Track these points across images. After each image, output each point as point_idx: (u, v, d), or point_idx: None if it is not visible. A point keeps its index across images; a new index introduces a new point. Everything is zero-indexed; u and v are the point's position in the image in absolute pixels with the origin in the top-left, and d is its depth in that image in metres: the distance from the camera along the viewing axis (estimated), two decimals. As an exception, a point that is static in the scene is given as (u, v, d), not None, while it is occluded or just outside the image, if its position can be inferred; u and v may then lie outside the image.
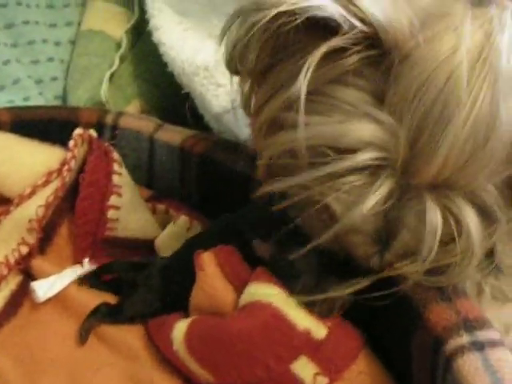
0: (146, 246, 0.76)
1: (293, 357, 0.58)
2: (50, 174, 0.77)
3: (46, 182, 0.76)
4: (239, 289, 0.63)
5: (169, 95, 0.94)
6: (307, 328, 0.58)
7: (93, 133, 0.79)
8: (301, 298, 0.59)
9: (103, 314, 0.68)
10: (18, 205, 0.75)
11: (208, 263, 0.64)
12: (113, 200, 0.74)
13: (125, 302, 0.69)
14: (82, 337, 0.67)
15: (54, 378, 0.65)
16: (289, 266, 0.60)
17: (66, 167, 0.76)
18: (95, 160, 0.76)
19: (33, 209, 0.73)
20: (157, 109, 0.96)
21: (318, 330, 0.59)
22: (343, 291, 0.56)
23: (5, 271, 0.71)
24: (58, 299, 0.70)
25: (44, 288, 0.69)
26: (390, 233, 0.51)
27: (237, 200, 0.67)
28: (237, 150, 0.76)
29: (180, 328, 0.63)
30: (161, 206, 0.81)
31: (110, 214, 0.73)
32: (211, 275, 0.64)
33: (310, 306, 0.59)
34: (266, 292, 0.60)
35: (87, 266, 0.72)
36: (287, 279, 0.60)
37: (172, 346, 0.62)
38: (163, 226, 0.77)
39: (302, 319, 0.58)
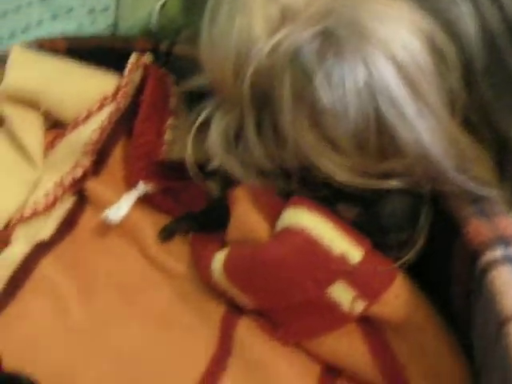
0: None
1: (330, 281, 0.58)
2: (104, 99, 0.78)
3: (101, 107, 0.77)
4: (274, 222, 0.63)
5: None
6: (343, 252, 0.58)
7: (148, 57, 0.80)
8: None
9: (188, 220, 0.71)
10: (73, 129, 0.77)
11: (241, 198, 0.64)
12: (171, 121, 0.75)
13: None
14: (164, 237, 0.70)
15: (107, 294, 0.67)
16: (376, 223, 0.60)
17: (121, 92, 0.77)
18: (153, 83, 0.77)
19: (87, 133, 0.75)
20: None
21: (354, 253, 0.58)
22: None
23: (59, 192, 0.73)
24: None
25: (113, 212, 0.70)
26: None
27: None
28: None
29: (218, 259, 0.64)
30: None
31: (168, 134, 0.74)
32: (244, 210, 0.64)
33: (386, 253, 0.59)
34: (300, 217, 0.60)
35: (142, 187, 0.72)
36: (377, 237, 0.60)
37: (213, 276, 0.64)
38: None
39: (338, 243, 0.58)
